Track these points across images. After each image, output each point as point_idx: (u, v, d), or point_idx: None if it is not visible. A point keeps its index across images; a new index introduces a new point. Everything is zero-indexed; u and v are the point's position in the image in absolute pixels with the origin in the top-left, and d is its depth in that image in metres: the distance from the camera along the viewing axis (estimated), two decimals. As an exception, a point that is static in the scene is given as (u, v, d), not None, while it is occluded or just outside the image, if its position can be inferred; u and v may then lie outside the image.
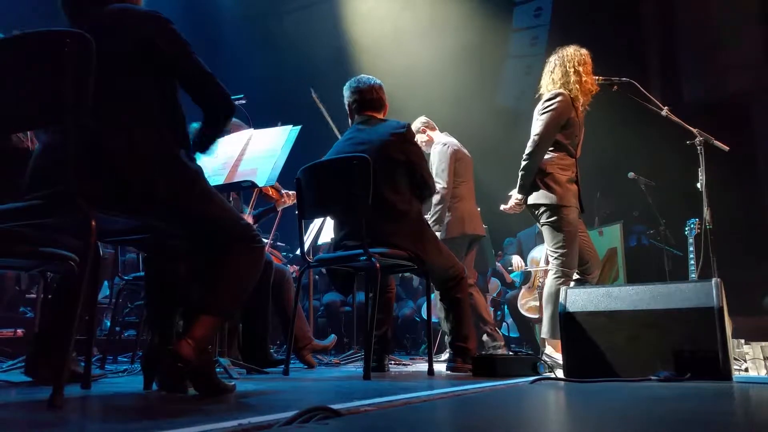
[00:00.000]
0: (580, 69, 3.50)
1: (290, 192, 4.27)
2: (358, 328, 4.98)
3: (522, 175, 3.50)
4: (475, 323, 4.47)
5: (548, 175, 3.46)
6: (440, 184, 4.29)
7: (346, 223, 3.06)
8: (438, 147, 4.43)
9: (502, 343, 4.38)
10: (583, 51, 3.58)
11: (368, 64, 7.38)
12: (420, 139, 4.59)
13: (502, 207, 3.73)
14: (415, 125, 4.63)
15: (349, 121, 3.28)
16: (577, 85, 3.49)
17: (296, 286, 3.14)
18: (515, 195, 3.58)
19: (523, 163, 3.49)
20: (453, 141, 4.49)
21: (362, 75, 3.28)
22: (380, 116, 3.21)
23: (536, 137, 3.44)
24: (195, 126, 2.03)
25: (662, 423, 1.24)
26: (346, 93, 3.25)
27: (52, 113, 1.58)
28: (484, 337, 4.36)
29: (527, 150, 3.48)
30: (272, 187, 3.78)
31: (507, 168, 4.90)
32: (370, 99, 3.19)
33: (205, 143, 1.98)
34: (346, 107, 3.28)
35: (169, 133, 1.81)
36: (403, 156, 2.99)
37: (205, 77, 1.90)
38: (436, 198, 4.31)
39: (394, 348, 5.79)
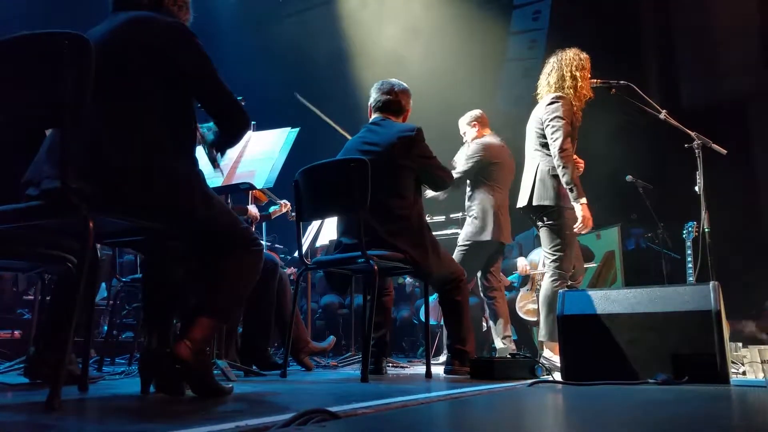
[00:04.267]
0: (577, 74, 3.47)
1: (285, 201, 4.30)
2: (356, 331, 4.97)
3: (570, 188, 3.35)
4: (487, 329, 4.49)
5: (554, 177, 3.43)
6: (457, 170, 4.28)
7: (346, 223, 3.07)
8: (476, 142, 4.43)
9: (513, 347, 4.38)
10: (584, 55, 3.55)
11: (366, 68, 7.39)
12: (469, 133, 4.57)
13: (577, 228, 3.43)
14: (466, 118, 4.61)
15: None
16: (572, 90, 3.47)
17: (294, 288, 3.14)
18: (580, 202, 3.36)
19: (564, 179, 3.36)
20: (496, 142, 4.47)
21: (392, 78, 3.27)
22: (397, 120, 3.20)
23: (559, 151, 3.35)
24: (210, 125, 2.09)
25: (660, 426, 1.24)
26: (371, 93, 3.26)
27: (51, 115, 1.58)
28: (499, 345, 4.35)
29: (559, 165, 3.36)
30: (260, 190, 3.79)
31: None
32: (387, 101, 3.18)
33: (220, 148, 2.13)
34: (368, 107, 3.29)
35: (172, 138, 1.81)
36: (408, 161, 2.98)
37: (221, 94, 1.91)
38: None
39: (391, 351, 5.78)
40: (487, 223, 4.29)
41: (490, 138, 4.47)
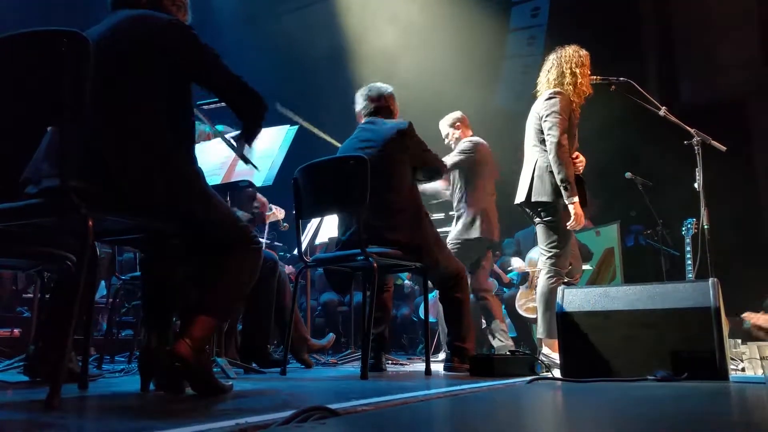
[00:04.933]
0: (577, 71, 3.46)
1: (279, 208, 4.29)
2: (356, 328, 4.98)
3: (564, 186, 3.33)
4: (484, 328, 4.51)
5: (552, 173, 3.40)
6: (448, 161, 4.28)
7: (346, 220, 3.08)
8: (469, 140, 4.45)
9: (511, 344, 4.40)
10: (583, 52, 3.54)
11: (364, 65, 7.38)
12: (453, 134, 4.58)
13: (570, 225, 3.40)
14: (448, 120, 4.62)
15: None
16: (571, 87, 3.45)
17: (293, 286, 3.14)
18: (572, 201, 3.33)
19: (558, 176, 3.33)
20: (486, 143, 4.50)
21: (376, 83, 3.31)
22: None
23: (555, 147, 3.33)
24: (219, 128, 2.09)
25: (659, 423, 1.25)
26: (359, 99, 3.30)
27: (50, 113, 1.58)
28: (496, 344, 4.37)
29: (555, 162, 3.33)
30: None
31: (504, 167, 4.89)
32: (377, 107, 3.23)
33: (248, 137, 2.06)
34: (356, 113, 3.32)
35: (171, 136, 1.81)
36: (404, 154, 3.03)
37: (230, 80, 1.92)
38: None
39: (391, 348, 5.79)
40: (476, 221, 4.31)
41: (480, 138, 4.50)
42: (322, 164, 2.87)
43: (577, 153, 3.57)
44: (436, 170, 3.25)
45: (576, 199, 3.34)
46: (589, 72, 3.53)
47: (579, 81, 3.47)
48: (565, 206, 3.40)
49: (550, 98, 3.45)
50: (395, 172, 3.00)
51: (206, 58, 1.89)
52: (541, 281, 3.45)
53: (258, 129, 2.06)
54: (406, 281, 6.82)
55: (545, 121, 3.43)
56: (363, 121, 3.23)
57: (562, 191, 3.35)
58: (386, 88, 3.28)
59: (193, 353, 1.71)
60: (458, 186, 4.45)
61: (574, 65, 3.48)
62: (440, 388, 2.07)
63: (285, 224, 4.93)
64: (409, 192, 3.06)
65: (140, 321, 3.90)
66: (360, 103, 3.28)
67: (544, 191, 3.42)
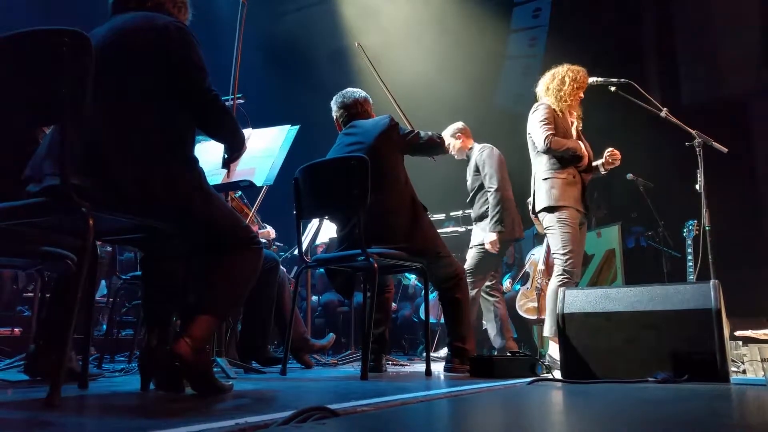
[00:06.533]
0: (567, 80, 3.58)
1: (270, 228, 4.30)
2: (356, 328, 4.97)
3: (572, 156, 3.52)
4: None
5: (547, 180, 3.54)
6: (494, 186, 4.31)
7: (346, 221, 3.08)
8: (488, 150, 4.46)
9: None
10: (586, 77, 3.63)
11: (366, 65, 7.37)
12: (454, 144, 4.58)
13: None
14: (450, 131, 4.63)
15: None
16: (555, 91, 3.57)
17: (294, 287, 3.14)
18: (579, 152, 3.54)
19: (569, 153, 3.52)
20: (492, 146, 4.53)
21: (348, 89, 3.33)
22: None
23: (546, 151, 3.50)
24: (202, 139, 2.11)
25: (659, 424, 1.24)
26: (333, 107, 3.33)
27: (51, 112, 1.58)
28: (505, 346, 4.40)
29: (557, 154, 3.52)
30: (245, 206, 3.82)
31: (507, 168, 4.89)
32: (355, 113, 3.25)
33: (226, 162, 2.15)
34: (334, 121, 3.32)
35: (172, 136, 1.81)
36: (395, 148, 3.07)
37: (201, 95, 1.89)
38: (494, 199, 4.31)
39: (391, 348, 5.79)
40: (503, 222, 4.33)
41: (489, 145, 4.51)
42: (323, 164, 2.87)
43: (612, 149, 3.68)
44: (434, 147, 3.25)
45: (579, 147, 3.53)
46: (578, 88, 3.61)
47: (564, 89, 3.57)
48: (562, 208, 3.44)
49: (534, 111, 3.60)
50: (389, 170, 3.02)
51: (193, 66, 1.87)
52: (552, 280, 3.53)
53: (238, 153, 2.11)
54: (412, 281, 6.81)
55: (534, 133, 3.57)
56: (343, 129, 3.24)
57: (577, 153, 3.51)
58: (360, 93, 3.30)
59: (193, 353, 1.71)
60: (480, 191, 4.50)
61: (569, 77, 3.60)
62: (440, 389, 2.07)
63: (275, 246, 4.91)
64: (405, 187, 3.08)
65: (140, 320, 3.90)
66: (335, 111, 3.31)
67: (544, 197, 3.54)
